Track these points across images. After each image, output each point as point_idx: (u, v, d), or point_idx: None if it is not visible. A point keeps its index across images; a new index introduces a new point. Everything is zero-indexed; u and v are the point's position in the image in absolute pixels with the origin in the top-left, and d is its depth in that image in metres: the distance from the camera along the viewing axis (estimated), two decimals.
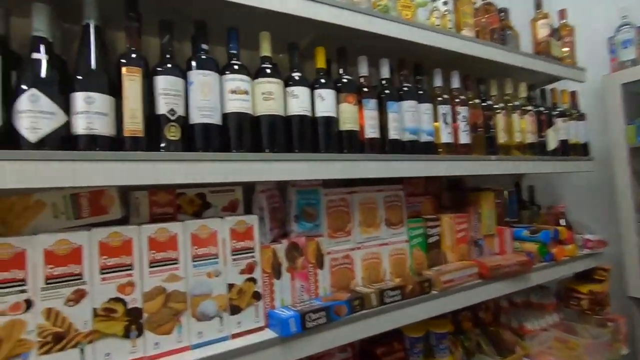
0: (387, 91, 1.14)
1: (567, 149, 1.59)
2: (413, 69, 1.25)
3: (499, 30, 1.47)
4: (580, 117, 1.67)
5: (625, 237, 1.70)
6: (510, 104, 1.44)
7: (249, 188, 1.00)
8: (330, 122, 1.01)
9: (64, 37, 0.85)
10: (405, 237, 1.17)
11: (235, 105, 0.87)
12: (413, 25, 1.14)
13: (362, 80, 1.12)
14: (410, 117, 1.16)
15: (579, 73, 1.68)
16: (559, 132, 1.56)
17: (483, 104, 1.37)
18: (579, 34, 2.04)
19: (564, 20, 1.71)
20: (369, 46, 1.15)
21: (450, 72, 1.33)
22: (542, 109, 1.53)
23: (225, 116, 0.87)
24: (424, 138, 1.19)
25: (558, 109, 1.60)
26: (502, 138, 1.40)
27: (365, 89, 1.09)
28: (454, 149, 1.26)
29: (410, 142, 1.15)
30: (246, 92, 0.89)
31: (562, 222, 1.61)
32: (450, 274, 1.14)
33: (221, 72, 0.88)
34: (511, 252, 1.41)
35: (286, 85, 0.97)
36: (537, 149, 1.48)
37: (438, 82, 1.29)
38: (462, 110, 1.28)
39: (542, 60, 1.52)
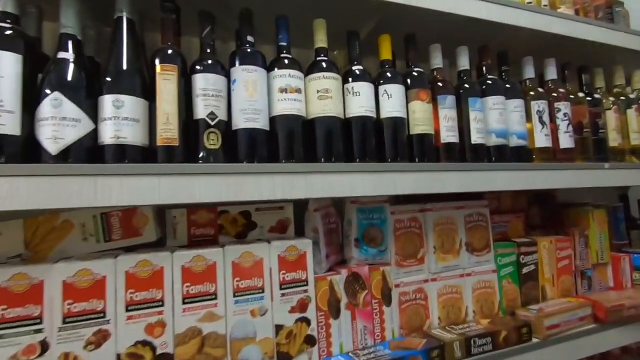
0: (466, 85, 0.92)
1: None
2: (498, 57, 1.03)
3: (605, 7, 1.18)
4: None
5: None
6: (623, 98, 1.14)
7: (300, 205, 0.84)
8: (399, 124, 0.82)
9: (100, 40, 0.77)
10: (492, 265, 0.94)
11: (285, 106, 0.73)
12: (499, 2, 0.92)
13: (435, 73, 0.92)
14: (496, 117, 0.93)
15: None
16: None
17: (588, 98, 1.09)
18: None
19: None
20: (443, 33, 0.95)
21: (545, 60, 1.08)
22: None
23: (272, 120, 0.73)
24: (514, 142, 0.95)
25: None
26: (614, 140, 1.10)
27: (440, 84, 0.90)
28: (553, 155, 1.01)
29: (497, 148, 0.92)
30: (298, 91, 0.74)
31: None
32: (556, 317, 0.88)
33: (269, 68, 0.75)
34: (631, 287, 1.10)
35: (345, 81, 0.80)
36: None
37: (530, 73, 1.04)
38: (563, 107, 1.02)
39: None
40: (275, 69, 0.74)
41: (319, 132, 0.75)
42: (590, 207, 1.14)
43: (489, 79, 0.96)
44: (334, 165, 0.72)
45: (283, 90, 0.73)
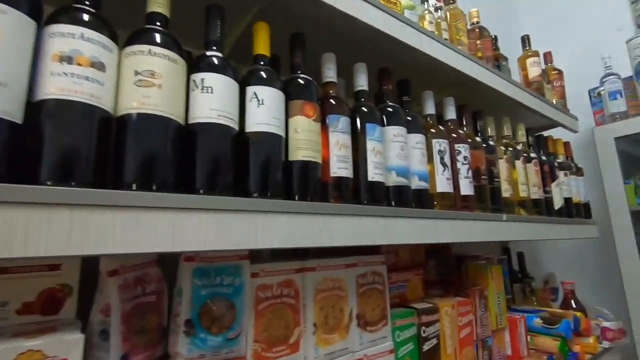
0: (364, 108, 0.74)
1: (571, 210, 1.28)
2: (398, 86, 0.89)
3: (494, 59, 1.19)
4: (579, 171, 1.40)
5: (636, 322, 1.38)
6: (512, 149, 1.12)
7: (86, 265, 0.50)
8: (274, 143, 0.57)
9: None
10: (389, 344, 0.71)
11: (65, 85, 0.41)
12: (399, 17, 0.79)
13: (328, 87, 0.72)
14: (397, 151, 0.75)
15: (573, 121, 1.46)
16: (562, 188, 1.26)
17: (484, 144, 1.02)
18: None
19: (551, 64, 1.51)
20: (338, 42, 0.77)
21: (444, 98, 0.99)
22: (544, 158, 1.23)
23: (37, 106, 0.39)
24: (416, 184, 0.79)
25: (558, 161, 1.32)
26: (506, 191, 1.04)
27: (333, 101, 0.69)
28: (454, 203, 0.87)
29: (398, 188, 0.74)
30: (97, 65, 0.43)
31: (573, 303, 1.25)
32: None
33: (46, 22, 0.42)
34: (527, 355, 0.99)
35: (191, 70, 0.53)
36: (543, 208, 1.15)
37: (430, 108, 0.93)
38: (463, 149, 0.92)
39: (541, 100, 1.26)
40: (54, 25, 0.42)
41: (131, 137, 0.44)
42: (486, 262, 1.03)
43: (391, 106, 0.79)
44: (152, 196, 0.42)
45: (63, 59, 0.41)
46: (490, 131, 1.11)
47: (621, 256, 1.43)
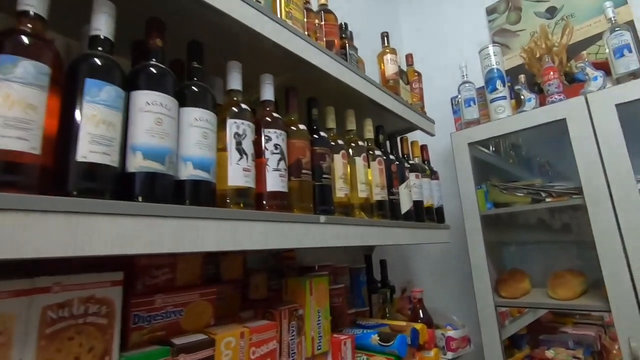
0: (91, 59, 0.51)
1: (421, 213, 1.22)
2: (188, 47, 0.69)
3: (340, 47, 1.07)
4: (434, 175, 1.37)
5: (485, 328, 1.38)
6: (354, 144, 1.01)
7: None
8: None
9: None
10: None
11: None
12: None
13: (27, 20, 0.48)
14: (150, 123, 0.54)
15: (430, 125, 1.44)
16: (412, 190, 1.20)
17: (315, 135, 0.88)
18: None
19: (412, 66, 1.48)
20: None
21: (261, 75, 0.81)
22: (392, 157, 1.15)
23: None
24: (189, 172, 0.59)
25: (410, 162, 1.26)
26: (340, 190, 0.91)
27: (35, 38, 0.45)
28: (253, 200, 0.69)
29: (149, 177, 0.53)
30: None
31: (421, 313, 1.18)
32: None
33: None
34: None
35: None
36: (387, 211, 1.05)
37: (236, 82, 0.74)
38: (275, 136, 0.75)
39: (394, 99, 1.18)
40: None
41: None
42: (310, 275, 0.88)
43: (151, 66, 0.58)
44: None
45: None
46: (331, 124, 0.98)
47: (473, 261, 1.43)
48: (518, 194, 1.43)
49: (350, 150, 0.99)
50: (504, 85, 1.47)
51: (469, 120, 1.56)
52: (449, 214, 1.77)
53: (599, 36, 1.54)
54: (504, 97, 1.46)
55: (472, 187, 1.47)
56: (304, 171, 0.80)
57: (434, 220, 1.29)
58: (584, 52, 1.28)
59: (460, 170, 1.50)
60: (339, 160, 0.93)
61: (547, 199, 1.36)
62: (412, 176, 1.22)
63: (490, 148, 1.72)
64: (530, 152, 1.76)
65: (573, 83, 1.41)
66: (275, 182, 0.73)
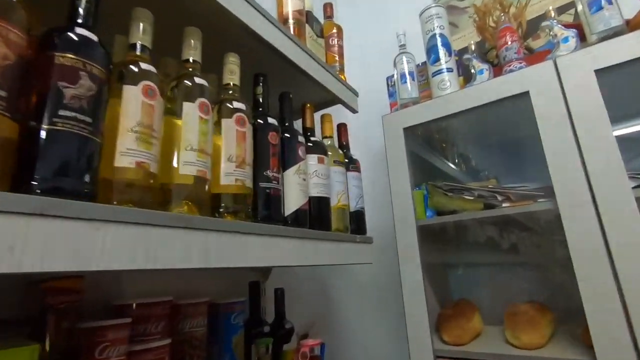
0: None
1: (325, 218, 0.79)
2: None
3: None
4: (353, 164, 0.95)
5: None
6: (186, 81, 0.55)
7: None
8: None
9: None
10: None
11: None
12: None
13: None
14: None
15: (352, 97, 1.03)
16: (310, 181, 0.76)
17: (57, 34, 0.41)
18: (354, 70, 1.53)
19: (330, 19, 1.09)
20: None
21: None
22: (272, 121, 0.70)
23: None
24: None
25: (312, 139, 0.83)
26: (128, 154, 0.44)
27: None
28: None
29: None
30: None
31: None
32: None
33: None
34: None
35: None
36: (244, 205, 0.60)
37: None
38: None
39: (290, 39, 0.76)
40: None
41: None
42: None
43: None
44: None
45: None
46: (136, 38, 0.52)
47: (405, 290, 1.01)
48: (467, 197, 1.05)
49: (175, 88, 0.54)
50: (449, 55, 1.12)
51: (405, 101, 1.18)
52: (382, 228, 1.37)
53: (567, 6, 1.25)
54: (450, 70, 1.10)
55: (407, 186, 1.07)
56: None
57: (346, 229, 0.86)
58: (550, 8, 0.98)
59: (392, 164, 1.10)
60: (132, 96, 0.46)
61: (504, 204, 0.99)
62: (311, 159, 0.79)
63: (432, 144, 1.36)
64: (482, 146, 1.43)
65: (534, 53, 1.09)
66: None
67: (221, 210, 0.56)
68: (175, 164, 0.50)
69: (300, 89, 0.90)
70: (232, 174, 0.57)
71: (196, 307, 0.75)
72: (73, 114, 0.39)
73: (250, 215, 0.60)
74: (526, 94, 0.92)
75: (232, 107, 0.60)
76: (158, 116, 0.49)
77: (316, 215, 0.76)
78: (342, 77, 1.00)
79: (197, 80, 0.56)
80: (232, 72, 0.64)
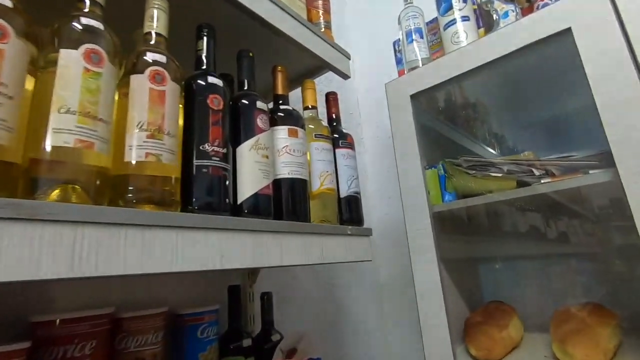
0: None
1: (297, 205, 0.62)
2: None
3: None
4: (343, 140, 0.77)
5: None
6: (73, 24, 0.40)
7: None
8: None
9: None
10: None
11: None
12: None
13: None
14: None
15: (343, 60, 0.85)
16: (279, 159, 0.60)
17: None
18: (362, 44, 1.34)
19: None
20: None
21: None
22: (214, 81, 0.54)
23: None
24: None
25: (283, 107, 0.66)
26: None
27: None
28: None
29: None
30: None
31: None
32: None
33: None
34: None
35: None
36: (177, 195, 0.45)
37: None
38: None
39: None
40: None
41: None
42: None
43: None
44: None
45: None
46: None
47: (419, 292, 0.82)
48: (495, 175, 0.84)
49: (54, 35, 0.39)
50: (464, 1, 0.90)
51: (412, 64, 0.98)
52: (392, 222, 1.18)
53: None
54: (465, 18, 0.89)
55: (416, 164, 0.87)
56: None
57: (334, 219, 0.68)
58: None
59: (398, 139, 0.91)
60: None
61: (544, 180, 0.76)
62: (280, 132, 0.62)
63: (448, 115, 1.15)
64: (513, 116, 1.19)
65: None
66: None
67: (129, 196, 0.41)
68: (42, 132, 0.36)
69: (276, 55, 0.74)
70: (142, 147, 0.42)
71: (146, 320, 0.61)
72: None
73: (177, 204, 0.44)
74: (567, 32, 0.70)
75: (146, 59, 0.45)
76: (9, 64, 0.35)
77: (288, 203, 0.60)
78: (329, 35, 0.82)
79: (86, 21, 0.41)
80: (153, 18, 0.49)
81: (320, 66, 0.86)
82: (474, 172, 0.86)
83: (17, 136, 0.35)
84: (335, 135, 0.76)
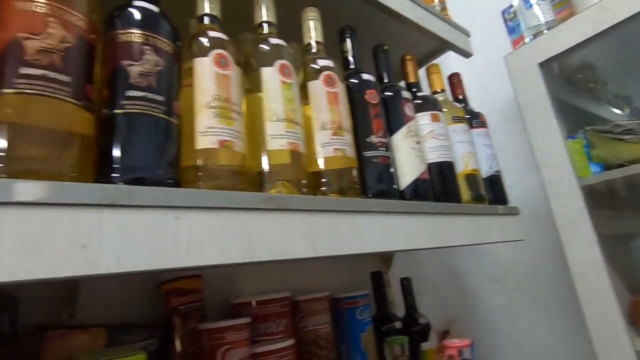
0: None
1: (451, 188, 0.62)
2: None
3: None
4: (476, 119, 0.75)
5: None
6: (261, 44, 0.47)
7: None
8: None
9: None
10: None
11: None
12: None
13: None
14: None
15: (462, 37, 0.83)
16: (426, 143, 0.62)
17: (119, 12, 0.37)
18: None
19: None
20: None
21: None
22: (367, 77, 0.57)
23: None
24: None
25: (420, 94, 0.67)
26: (210, 134, 0.38)
27: None
28: None
29: None
30: None
31: None
32: None
33: None
34: None
35: None
36: (358, 184, 0.49)
37: None
38: None
39: None
40: None
41: None
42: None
43: None
44: None
45: None
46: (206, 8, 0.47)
47: (578, 277, 0.76)
48: None
49: (250, 58, 0.46)
50: None
51: (536, 29, 0.91)
52: (520, 199, 1.11)
53: None
54: None
55: (557, 136, 0.81)
56: (38, 72, 0.29)
57: (483, 199, 0.67)
58: None
59: (529, 113, 0.85)
60: (205, 68, 0.40)
61: None
62: (422, 118, 0.63)
63: (577, 84, 1.04)
64: None
65: None
66: None
67: (323, 188, 0.46)
68: (261, 139, 0.43)
69: (395, 42, 0.76)
70: (330, 144, 0.47)
71: (317, 302, 0.68)
72: (142, 93, 0.34)
73: (359, 192, 0.49)
74: None
75: (317, 66, 0.50)
76: (236, 87, 0.42)
77: (439, 186, 0.61)
78: (447, 16, 0.81)
79: (273, 40, 0.47)
80: (312, 29, 0.55)
81: (436, 49, 0.85)
82: (629, 137, 0.77)
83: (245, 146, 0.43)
84: (467, 116, 0.75)
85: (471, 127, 0.74)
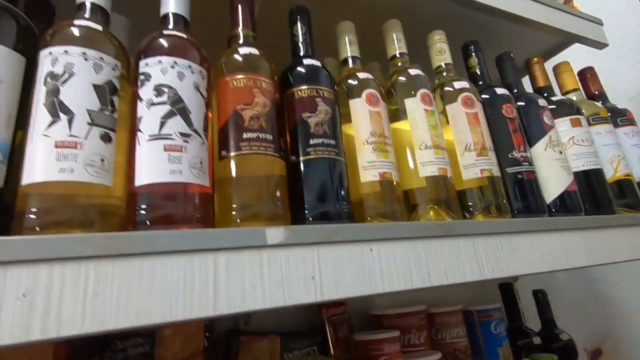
0: None
1: (602, 196, 0.57)
2: None
3: None
4: (624, 118, 0.68)
5: None
6: (401, 76, 0.50)
7: None
8: None
9: None
10: None
11: None
12: None
13: None
14: None
15: (595, 28, 0.75)
16: (567, 151, 0.58)
17: (295, 69, 0.44)
18: None
19: None
20: None
21: None
22: (501, 91, 0.56)
23: None
24: None
25: (554, 99, 0.63)
26: (371, 168, 0.43)
27: None
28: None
29: None
30: None
31: None
32: None
33: None
34: None
35: None
36: (496, 199, 0.49)
37: None
38: (156, 69, 0.35)
39: None
40: None
41: None
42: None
43: None
44: None
45: None
46: (349, 49, 0.52)
47: None
48: None
49: (391, 89, 0.50)
50: None
51: None
52: None
53: None
54: None
55: None
56: (253, 135, 0.37)
57: (638, 208, 0.60)
58: None
59: None
60: (360, 108, 0.45)
61: None
62: (561, 124, 0.60)
63: None
64: None
65: None
66: (155, 165, 0.32)
67: (470, 209, 0.48)
68: (412, 167, 0.46)
69: (510, 43, 0.72)
70: (475, 165, 0.48)
71: (452, 315, 0.68)
72: (320, 140, 0.40)
73: (507, 210, 0.49)
74: None
75: (453, 89, 0.52)
76: (386, 122, 0.46)
77: (589, 196, 0.57)
78: (573, 6, 0.75)
79: (412, 72, 0.50)
80: (440, 52, 0.56)
81: (559, 45, 0.79)
82: None
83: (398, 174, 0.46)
84: (608, 114, 0.68)
85: (616, 126, 0.67)
